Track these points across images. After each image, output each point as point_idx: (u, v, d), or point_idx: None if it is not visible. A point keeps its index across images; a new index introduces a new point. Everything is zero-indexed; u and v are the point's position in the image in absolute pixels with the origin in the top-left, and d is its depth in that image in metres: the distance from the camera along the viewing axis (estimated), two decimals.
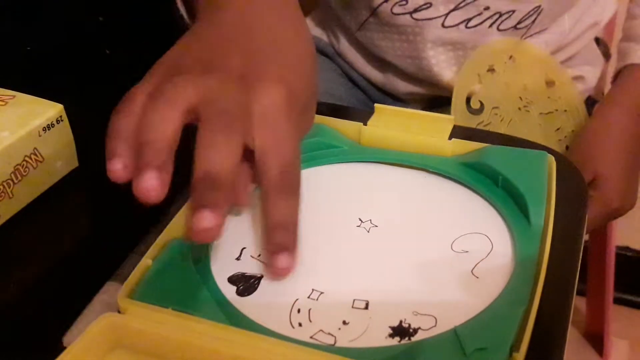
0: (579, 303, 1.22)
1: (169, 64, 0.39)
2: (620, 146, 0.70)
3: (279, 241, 0.36)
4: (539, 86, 0.72)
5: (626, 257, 1.19)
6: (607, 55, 0.83)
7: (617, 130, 0.71)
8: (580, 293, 1.16)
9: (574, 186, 0.44)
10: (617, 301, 1.16)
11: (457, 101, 0.69)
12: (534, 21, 0.70)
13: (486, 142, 0.45)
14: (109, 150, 0.35)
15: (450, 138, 0.46)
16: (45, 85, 0.51)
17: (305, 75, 0.39)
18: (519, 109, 0.71)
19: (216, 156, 0.33)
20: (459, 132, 0.46)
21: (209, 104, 0.34)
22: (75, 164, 0.50)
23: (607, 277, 1.07)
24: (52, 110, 0.47)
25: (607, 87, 0.83)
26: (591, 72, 0.79)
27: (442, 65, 0.72)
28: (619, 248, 1.16)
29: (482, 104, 0.69)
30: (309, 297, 0.36)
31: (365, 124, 0.48)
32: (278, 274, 0.37)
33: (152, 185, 0.33)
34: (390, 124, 0.48)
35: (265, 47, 0.39)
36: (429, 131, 0.46)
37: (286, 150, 0.36)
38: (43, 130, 0.46)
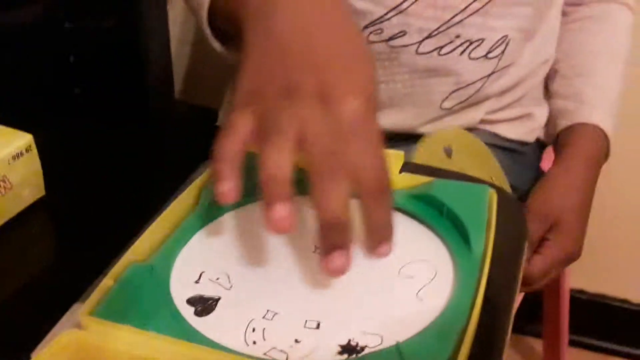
0: (535, 345, 1.25)
1: (251, 89, 0.42)
2: (580, 194, 0.73)
3: (379, 239, 0.40)
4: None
5: (581, 300, 1.22)
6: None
7: (577, 179, 0.74)
8: (537, 335, 1.19)
9: (513, 218, 0.47)
10: (573, 344, 1.19)
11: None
12: (503, 51, 0.73)
13: (433, 176, 0.49)
14: (218, 172, 0.39)
15: (400, 172, 0.49)
16: (16, 116, 0.53)
17: (372, 75, 0.42)
18: None
19: (335, 204, 0.38)
20: (408, 167, 0.50)
21: (313, 144, 0.39)
22: (42, 192, 0.51)
23: (562, 320, 1.09)
24: (21, 139, 0.49)
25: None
26: (540, 112, 0.82)
27: None
28: (574, 291, 1.19)
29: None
30: (263, 317, 0.38)
31: None
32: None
33: (284, 216, 0.37)
34: None
35: (330, 57, 0.41)
36: None
37: (379, 160, 0.40)
38: (12, 158, 0.48)
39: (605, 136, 0.76)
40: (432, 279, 0.41)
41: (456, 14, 0.70)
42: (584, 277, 1.21)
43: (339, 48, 0.42)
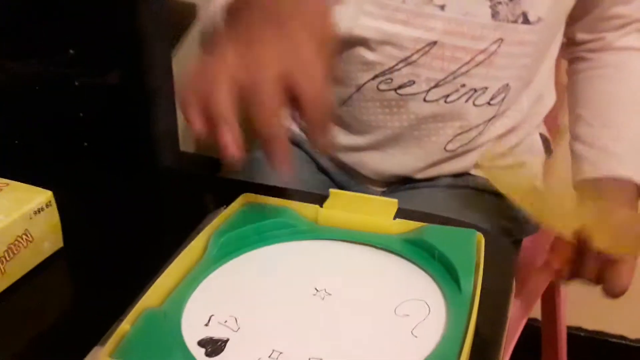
0: None
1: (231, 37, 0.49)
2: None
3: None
4: None
5: (580, 337, 1.23)
6: (548, 150, 0.88)
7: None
8: None
9: (502, 258, 0.50)
10: None
11: None
12: (504, 98, 0.75)
13: (425, 222, 0.52)
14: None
15: (395, 218, 0.52)
16: (29, 169, 0.56)
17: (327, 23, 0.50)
18: None
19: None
20: (402, 213, 0.53)
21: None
22: (60, 244, 0.54)
23: (560, 357, 1.10)
24: (42, 196, 0.52)
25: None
26: (533, 161, 0.83)
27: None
28: (572, 328, 1.20)
29: None
30: (269, 357, 0.40)
31: (321, 207, 0.54)
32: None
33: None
34: (343, 206, 0.53)
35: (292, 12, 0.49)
36: (377, 213, 0.52)
37: (320, 91, 0.46)
38: (34, 213, 0.51)
39: (637, 187, 0.73)
40: (426, 317, 0.43)
41: (462, 65, 0.72)
42: (582, 314, 1.22)
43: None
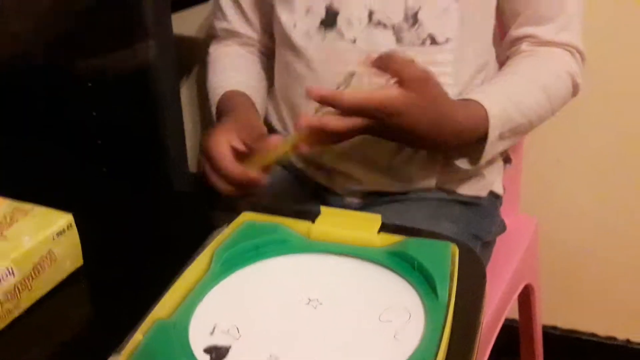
0: None
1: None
2: (448, 110, 0.66)
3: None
4: None
5: (554, 335, 1.23)
6: (507, 159, 0.87)
7: (455, 106, 0.68)
8: None
9: (474, 267, 0.51)
10: None
11: None
12: None
13: (405, 235, 0.53)
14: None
15: (379, 232, 0.53)
16: (49, 191, 0.57)
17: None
18: None
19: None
20: (385, 227, 0.53)
21: None
22: (80, 262, 0.55)
23: (537, 354, 1.11)
24: (63, 219, 0.53)
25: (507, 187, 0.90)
26: (489, 172, 0.81)
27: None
28: (546, 327, 1.21)
29: None
30: None
31: (313, 222, 0.55)
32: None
33: None
34: (333, 222, 0.54)
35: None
36: (363, 228, 0.53)
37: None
38: (56, 235, 0.52)
39: (487, 119, 0.68)
40: (407, 322, 0.44)
41: None
42: (556, 314, 1.23)
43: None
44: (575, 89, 0.78)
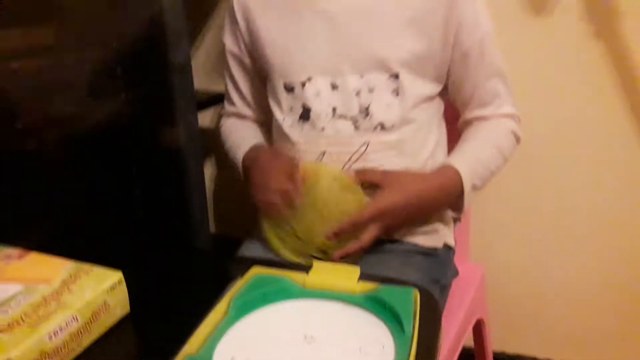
0: None
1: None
2: (423, 186, 0.74)
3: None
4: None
5: (503, 358, 1.21)
6: (456, 219, 0.88)
7: (426, 179, 0.75)
8: None
9: (430, 310, 0.52)
10: None
11: None
12: None
13: (379, 282, 0.54)
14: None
15: (358, 281, 0.54)
16: (109, 255, 0.58)
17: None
18: None
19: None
20: (363, 276, 0.55)
21: None
22: (127, 309, 0.55)
23: None
24: (115, 276, 0.54)
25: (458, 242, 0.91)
26: (443, 227, 0.82)
27: None
28: (496, 353, 1.19)
29: None
30: None
31: (308, 274, 0.56)
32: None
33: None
34: (323, 273, 0.56)
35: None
36: (346, 278, 0.55)
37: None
38: (110, 289, 0.53)
39: (460, 177, 0.74)
40: (381, 353, 0.46)
41: (346, 163, 0.76)
42: (504, 340, 1.21)
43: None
44: (517, 140, 0.84)
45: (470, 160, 0.77)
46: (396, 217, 0.72)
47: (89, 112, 0.87)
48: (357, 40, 0.76)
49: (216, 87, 1.13)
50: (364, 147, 0.76)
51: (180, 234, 0.95)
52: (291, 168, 0.75)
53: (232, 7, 0.84)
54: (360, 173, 0.73)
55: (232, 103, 0.93)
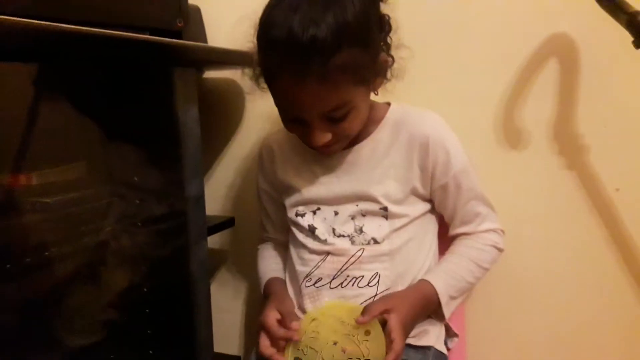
0: None
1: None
2: (408, 304, 0.84)
3: None
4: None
5: None
6: (454, 335, 0.93)
7: (408, 296, 0.86)
8: None
9: None
10: None
11: None
12: (377, 282, 0.88)
13: None
14: None
15: None
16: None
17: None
18: None
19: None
20: None
21: None
22: None
23: None
24: None
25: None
26: (432, 328, 0.89)
27: None
28: None
29: None
30: None
31: None
32: None
33: None
34: None
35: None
36: None
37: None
38: None
39: (436, 293, 0.86)
40: None
41: (343, 265, 0.88)
42: None
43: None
44: (499, 250, 0.94)
45: (444, 276, 0.88)
46: (409, 323, 0.83)
47: (113, 241, 0.95)
48: (353, 184, 0.93)
49: (225, 213, 1.23)
50: (359, 253, 0.89)
51: (186, 350, 0.99)
52: (289, 320, 0.85)
53: (262, 154, 1.04)
54: (363, 318, 0.80)
55: (265, 230, 1.11)
